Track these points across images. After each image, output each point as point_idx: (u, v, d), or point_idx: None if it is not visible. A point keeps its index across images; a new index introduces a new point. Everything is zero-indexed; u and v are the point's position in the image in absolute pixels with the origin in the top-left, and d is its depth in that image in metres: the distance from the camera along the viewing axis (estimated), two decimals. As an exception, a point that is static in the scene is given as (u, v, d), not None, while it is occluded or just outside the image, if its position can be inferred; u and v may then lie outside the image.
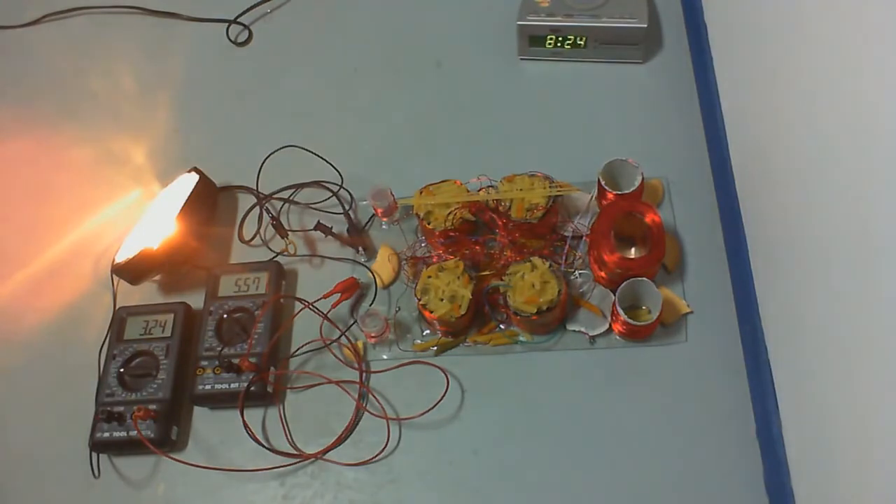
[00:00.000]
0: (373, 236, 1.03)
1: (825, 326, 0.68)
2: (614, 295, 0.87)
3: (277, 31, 1.26)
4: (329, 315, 0.93)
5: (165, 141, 1.17)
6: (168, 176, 1.08)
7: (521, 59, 1.14)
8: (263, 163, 1.06)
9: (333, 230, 1.01)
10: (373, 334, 0.91)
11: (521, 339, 0.92)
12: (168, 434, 0.90)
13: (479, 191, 0.94)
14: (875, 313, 0.57)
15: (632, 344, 0.90)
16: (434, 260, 0.94)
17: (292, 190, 1.08)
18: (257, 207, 1.06)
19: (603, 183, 0.92)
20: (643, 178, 0.92)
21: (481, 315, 0.93)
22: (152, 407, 0.90)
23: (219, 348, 0.92)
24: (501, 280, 0.88)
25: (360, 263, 1.00)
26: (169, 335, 0.95)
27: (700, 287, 0.93)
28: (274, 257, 1.02)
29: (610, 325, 0.90)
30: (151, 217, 1.02)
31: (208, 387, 0.90)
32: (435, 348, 0.93)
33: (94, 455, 0.91)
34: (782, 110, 0.77)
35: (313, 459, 0.89)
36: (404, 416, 0.90)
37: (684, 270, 0.94)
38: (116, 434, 0.89)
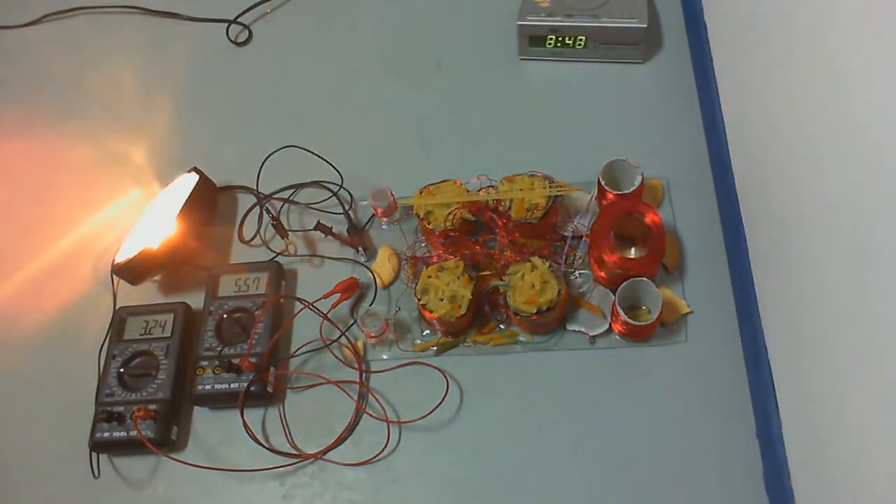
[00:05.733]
0: (373, 236, 1.03)
1: (825, 326, 0.68)
2: (614, 295, 0.87)
3: (277, 31, 1.26)
4: (329, 315, 0.93)
5: (165, 141, 1.17)
6: (168, 176, 1.08)
7: (521, 59, 1.14)
8: (263, 163, 1.06)
9: (333, 230, 1.01)
10: (373, 334, 0.91)
11: (521, 339, 0.92)
12: (168, 434, 0.90)
13: (479, 191, 0.94)
14: (875, 313, 0.57)
15: (632, 344, 0.90)
16: (434, 260, 0.94)
17: (292, 190, 1.08)
18: (257, 207, 1.06)
19: (603, 183, 0.92)
20: (643, 178, 0.92)
21: (481, 315, 0.93)
22: (152, 407, 0.90)
23: (219, 348, 0.92)
24: (501, 280, 0.88)
25: (360, 263, 1.00)
26: (169, 335, 0.95)
27: (700, 287, 0.93)
28: (274, 257, 1.02)
29: (610, 325, 0.90)
30: (151, 217, 1.02)
31: (208, 387, 0.90)
32: (435, 348, 0.93)
33: (94, 455, 0.91)
34: (782, 110, 0.77)
35: (313, 459, 0.89)
36: (404, 416, 0.90)
37: (684, 270, 0.94)
38: (116, 434, 0.89)
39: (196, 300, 0.99)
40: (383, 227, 1.03)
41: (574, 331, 0.91)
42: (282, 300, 0.98)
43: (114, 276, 1.01)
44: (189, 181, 1.03)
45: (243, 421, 0.89)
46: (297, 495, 0.87)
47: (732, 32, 0.95)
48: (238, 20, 1.26)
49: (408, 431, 0.89)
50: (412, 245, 0.99)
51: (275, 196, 1.07)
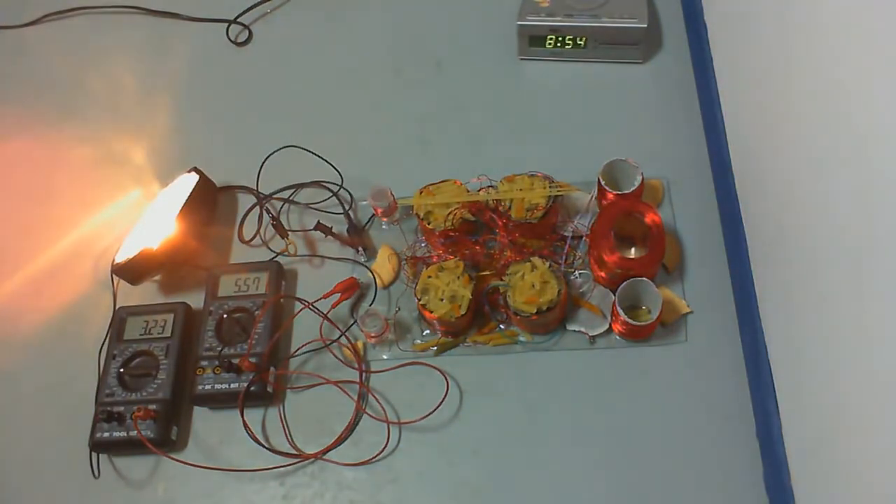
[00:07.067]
0: (373, 236, 1.03)
1: (825, 326, 0.68)
2: (614, 295, 0.87)
3: (277, 31, 1.26)
4: (329, 315, 0.93)
5: (165, 141, 1.17)
6: (168, 176, 1.08)
7: (521, 59, 1.14)
8: (263, 163, 1.06)
9: (333, 230, 1.01)
10: (373, 334, 0.91)
11: (521, 339, 0.92)
12: (168, 434, 0.90)
13: (479, 191, 0.95)
14: (875, 313, 0.57)
15: (632, 344, 0.90)
16: (434, 260, 0.94)
17: (292, 190, 1.08)
18: (257, 207, 1.06)
19: (603, 183, 0.92)
20: (643, 178, 0.92)
21: (481, 315, 0.93)
22: (152, 407, 0.90)
23: (219, 348, 0.92)
24: (501, 280, 0.88)
25: (360, 263, 1.00)
26: (169, 335, 0.95)
27: (700, 287, 0.93)
28: (274, 257, 1.02)
29: (610, 325, 0.90)
30: (151, 217, 1.02)
31: (208, 387, 0.90)
32: (435, 348, 0.93)
33: (94, 455, 0.91)
34: (782, 110, 0.77)
35: (313, 459, 0.89)
36: (404, 416, 0.90)
37: (684, 270, 0.94)
38: (116, 434, 0.89)
39: (196, 300, 0.99)
40: (383, 227, 1.03)
41: (574, 331, 0.91)
42: (282, 300, 0.98)
43: (114, 276, 1.01)
44: (189, 181, 1.03)
45: (243, 421, 0.89)
46: (297, 495, 0.88)
47: (732, 32, 0.95)
48: (238, 20, 1.26)
49: (408, 431, 0.89)
50: (412, 245, 0.99)
51: (275, 196, 1.07)
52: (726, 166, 0.94)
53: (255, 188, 1.06)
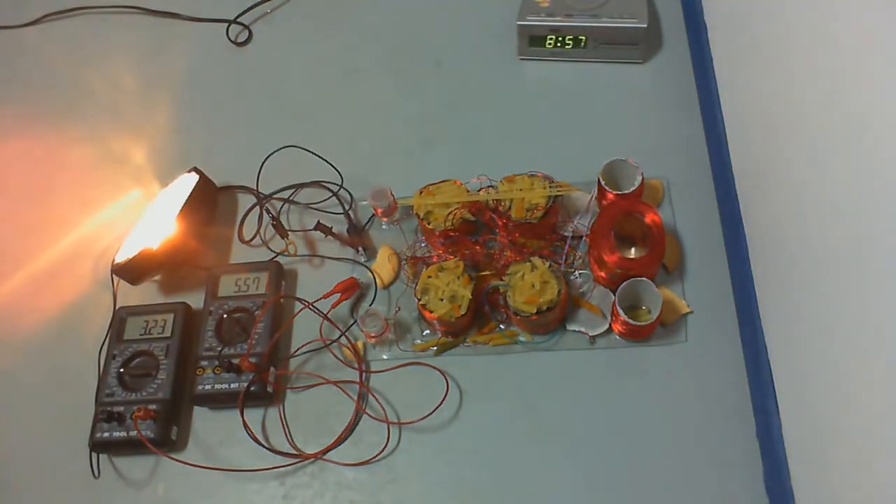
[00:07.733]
0: (373, 236, 1.03)
1: (825, 326, 0.68)
2: (614, 295, 0.87)
3: (277, 31, 1.26)
4: (329, 315, 0.93)
5: (165, 141, 1.17)
6: (168, 176, 1.08)
7: (521, 59, 1.14)
8: (263, 163, 1.06)
9: (333, 230, 1.01)
10: (373, 334, 0.91)
11: (521, 339, 0.92)
12: (168, 434, 0.90)
13: (479, 191, 0.95)
14: (874, 313, 0.57)
15: (632, 344, 0.90)
16: (434, 260, 0.94)
17: (292, 190, 1.08)
18: (257, 207, 1.06)
19: (603, 183, 0.92)
20: (643, 178, 0.92)
21: (481, 315, 0.93)
22: (152, 407, 0.90)
23: (219, 348, 0.92)
24: (501, 280, 0.88)
25: (360, 263, 1.00)
26: (169, 335, 0.95)
27: (700, 287, 0.93)
28: (274, 257, 1.02)
29: (610, 325, 0.90)
30: (151, 217, 1.02)
31: (208, 387, 0.90)
32: (435, 348, 0.93)
33: (94, 455, 0.91)
34: (782, 110, 0.77)
35: (313, 459, 0.89)
36: (404, 416, 0.90)
37: (684, 270, 0.94)
38: (116, 434, 0.89)
39: (196, 300, 0.99)
40: (383, 227, 1.03)
41: (574, 331, 0.91)
42: (282, 300, 0.98)
43: (114, 276, 1.01)
44: (189, 181, 1.03)
45: (243, 421, 0.89)
46: (297, 495, 0.88)
47: (732, 32, 0.95)
48: (238, 20, 1.26)
49: (408, 432, 0.89)
50: (412, 245, 0.99)
51: (275, 196, 1.07)
52: (726, 166, 0.94)
53: (255, 188, 1.06)
